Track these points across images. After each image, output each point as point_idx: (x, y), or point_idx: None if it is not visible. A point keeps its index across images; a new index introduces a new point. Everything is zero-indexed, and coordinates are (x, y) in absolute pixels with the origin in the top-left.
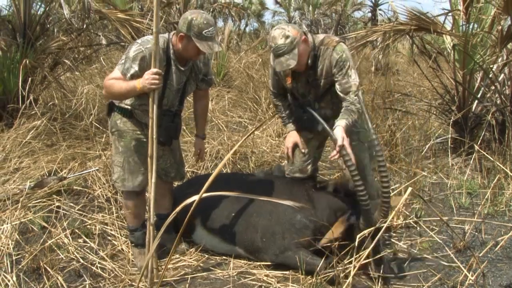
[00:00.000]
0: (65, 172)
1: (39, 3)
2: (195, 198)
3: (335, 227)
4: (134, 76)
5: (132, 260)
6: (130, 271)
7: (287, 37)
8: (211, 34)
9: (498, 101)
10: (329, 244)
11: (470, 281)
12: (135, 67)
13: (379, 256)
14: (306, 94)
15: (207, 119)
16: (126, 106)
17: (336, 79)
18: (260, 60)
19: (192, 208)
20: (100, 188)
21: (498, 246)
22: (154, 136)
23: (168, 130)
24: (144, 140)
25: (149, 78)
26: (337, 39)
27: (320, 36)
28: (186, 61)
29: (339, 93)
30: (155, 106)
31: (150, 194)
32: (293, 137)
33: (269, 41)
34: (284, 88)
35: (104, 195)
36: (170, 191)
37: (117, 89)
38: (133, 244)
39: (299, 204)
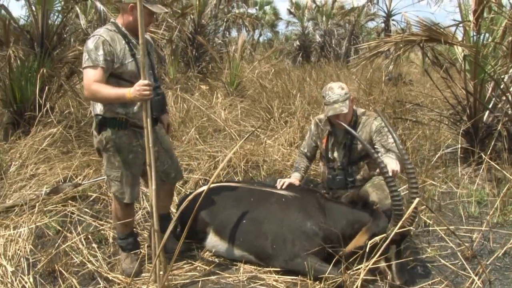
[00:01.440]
0: (80, 179)
1: (57, 14)
2: (204, 188)
3: (359, 235)
4: (107, 62)
5: (151, 264)
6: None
7: (342, 88)
8: None
9: (510, 112)
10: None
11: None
12: (101, 52)
13: (400, 261)
14: (338, 158)
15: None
16: (121, 116)
17: (378, 142)
18: (273, 70)
19: (197, 204)
20: None
21: (502, 252)
22: (151, 145)
23: (157, 103)
24: (140, 150)
25: (140, 89)
26: (375, 115)
27: (361, 109)
28: (137, 34)
29: (382, 149)
30: (149, 117)
31: (152, 200)
32: (293, 180)
33: (324, 91)
34: (315, 152)
35: None
36: (172, 192)
37: (105, 94)
38: (122, 249)
39: (292, 194)
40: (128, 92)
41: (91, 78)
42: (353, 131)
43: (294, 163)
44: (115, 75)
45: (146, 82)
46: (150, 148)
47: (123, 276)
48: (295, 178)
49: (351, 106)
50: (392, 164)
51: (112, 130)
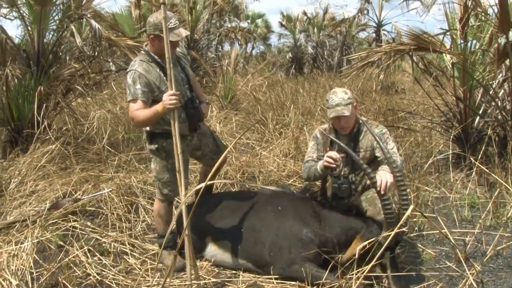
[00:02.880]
0: (79, 194)
1: (52, 32)
2: (202, 185)
3: (354, 243)
4: (145, 93)
5: (146, 276)
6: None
7: (346, 93)
8: (174, 24)
9: (499, 117)
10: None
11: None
12: (139, 86)
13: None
14: (342, 166)
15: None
16: (168, 129)
17: (379, 149)
18: (266, 83)
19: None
20: (113, 208)
21: (494, 254)
22: (179, 152)
23: (194, 115)
24: (185, 152)
25: (167, 99)
26: (376, 123)
27: (363, 118)
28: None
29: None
30: (177, 124)
31: (182, 206)
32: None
33: (328, 95)
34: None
35: (116, 215)
36: (221, 165)
37: (143, 116)
38: (163, 248)
39: (279, 189)
40: (158, 106)
41: (133, 110)
42: (340, 143)
43: (304, 170)
44: (156, 101)
45: (171, 92)
46: (179, 155)
47: (125, 287)
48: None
49: (354, 113)
50: (384, 176)
51: (161, 139)
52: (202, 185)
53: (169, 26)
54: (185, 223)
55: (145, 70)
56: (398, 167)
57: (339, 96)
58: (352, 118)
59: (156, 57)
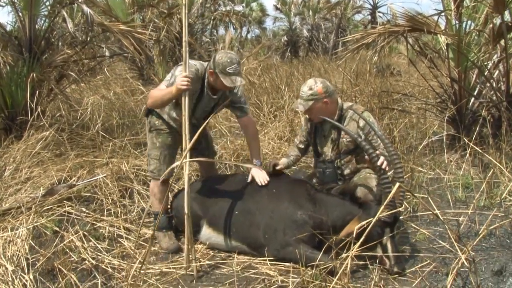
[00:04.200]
0: (74, 180)
1: (43, 18)
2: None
3: (352, 223)
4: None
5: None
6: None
7: (311, 89)
8: (234, 70)
9: (494, 98)
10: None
11: (462, 267)
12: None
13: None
14: (327, 152)
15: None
16: (164, 115)
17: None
18: (261, 66)
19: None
20: (108, 193)
21: (487, 233)
22: (187, 131)
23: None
24: (177, 135)
25: (179, 80)
26: (363, 108)
27: (349, 103)
28: (217, 90)
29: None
30: (187, 105)
31: (185, 187)
32: (277, 161)
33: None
34: (307, 146)
35: (111, 200)
36: (211, 166)
37: (157, 94)
38: (157, 228)
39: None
40: (173, 87)
41: (158, 88)
42: (342, 127)
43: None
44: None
45: (185, 74)
46: (187, 134)
47: (120, 271)
48: (281, 162)
49: (319, 107)
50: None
51: (155, 118)
52: (178, 163)
53: (229, 70)
54: (186, 207)
55: (194, 76)
56: (394, 148)
57: (303, 90)
58: (318, 112)
59: (206, 80)
